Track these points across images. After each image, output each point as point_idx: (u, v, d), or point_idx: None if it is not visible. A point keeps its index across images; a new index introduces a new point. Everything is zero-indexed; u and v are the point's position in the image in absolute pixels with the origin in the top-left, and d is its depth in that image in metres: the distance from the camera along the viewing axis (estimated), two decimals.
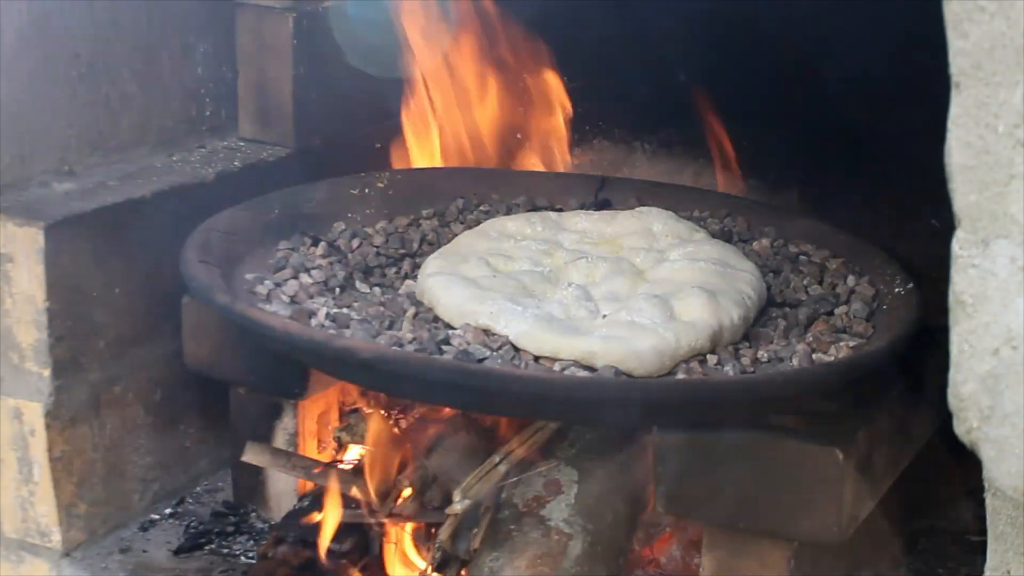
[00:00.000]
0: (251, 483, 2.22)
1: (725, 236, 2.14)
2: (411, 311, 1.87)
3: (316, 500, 2.05)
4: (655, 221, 2.09)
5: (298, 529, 2.03)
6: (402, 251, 2.09)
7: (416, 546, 2.01)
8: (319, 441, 2.21)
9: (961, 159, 1.23)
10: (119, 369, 2.16)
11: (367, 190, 2.22)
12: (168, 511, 2.25)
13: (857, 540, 1.81)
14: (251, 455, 2.07)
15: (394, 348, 1.77)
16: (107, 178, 2.18)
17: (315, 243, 2.08)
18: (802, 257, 2.11)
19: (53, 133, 2.15)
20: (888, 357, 1.79)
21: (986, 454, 1.26)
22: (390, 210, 2.21)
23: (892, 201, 2.32)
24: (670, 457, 1.79)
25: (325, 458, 2.16)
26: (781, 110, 2.35)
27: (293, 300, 1.91)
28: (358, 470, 2.04)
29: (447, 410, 2.01)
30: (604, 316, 1.84)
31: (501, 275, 1.92)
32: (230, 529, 2.21)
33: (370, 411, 2.06)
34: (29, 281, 2.03)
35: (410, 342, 1.79)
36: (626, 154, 2.56)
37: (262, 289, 1.93)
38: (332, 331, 1.82)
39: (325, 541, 1.98)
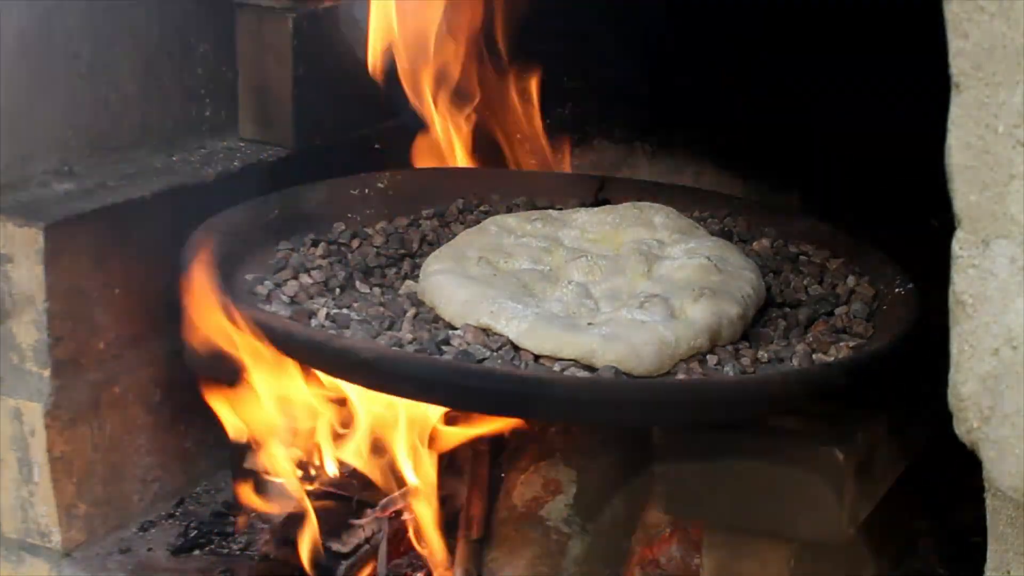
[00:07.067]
0: (251, 483, 2.22)
1: (725, 236, 2.14)
2: (411, 311, 1.87)
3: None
4: (656, 214, 2.09)
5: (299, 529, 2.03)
6: (402, 251, 2.09)
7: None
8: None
9: (961, 159, 1.23)
10: (119, 369, 2.16)
11: (367, 190, 2.22)
12: (168, 511, 2.25)
13: (857, 540, 1.81)
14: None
15: (394, 348, 1.77)
16: (107, 178, 2.18)
17: (315, 243, 2.08)
18: (802, 257, 2.10)
19: (53, 133, 2.15)
20: (888, 357, 1.79)
21: (986, 454, 1.26)
22: (390, 210, 2.20)
23: (892, 201, 2.32)
24: (670, 457, 1.80)
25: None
26: (781, 110, 2.35)
27: (293, 300, 1.91)
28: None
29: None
30: (604, 314, 1.84)
31: (501, 274, 1.92)
32: (230, 529, 2.21)
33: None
34: (29, 281, 2.02)
35: (410, 342, 1.79)
36: (626, 154, 2.56)
37: (262, 289, 1.93)
38: (332, 331, 1.82)
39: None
